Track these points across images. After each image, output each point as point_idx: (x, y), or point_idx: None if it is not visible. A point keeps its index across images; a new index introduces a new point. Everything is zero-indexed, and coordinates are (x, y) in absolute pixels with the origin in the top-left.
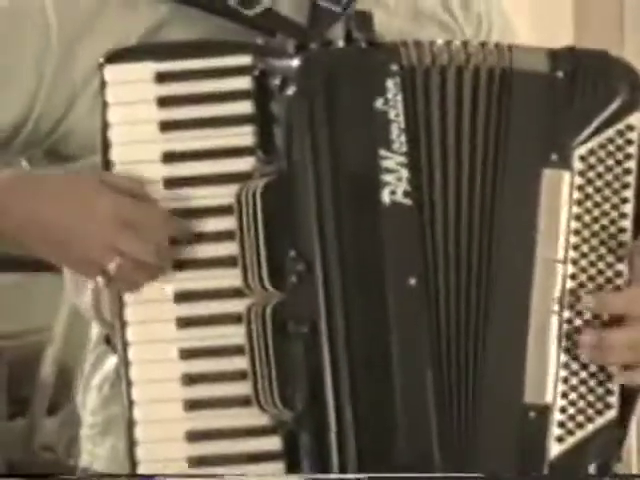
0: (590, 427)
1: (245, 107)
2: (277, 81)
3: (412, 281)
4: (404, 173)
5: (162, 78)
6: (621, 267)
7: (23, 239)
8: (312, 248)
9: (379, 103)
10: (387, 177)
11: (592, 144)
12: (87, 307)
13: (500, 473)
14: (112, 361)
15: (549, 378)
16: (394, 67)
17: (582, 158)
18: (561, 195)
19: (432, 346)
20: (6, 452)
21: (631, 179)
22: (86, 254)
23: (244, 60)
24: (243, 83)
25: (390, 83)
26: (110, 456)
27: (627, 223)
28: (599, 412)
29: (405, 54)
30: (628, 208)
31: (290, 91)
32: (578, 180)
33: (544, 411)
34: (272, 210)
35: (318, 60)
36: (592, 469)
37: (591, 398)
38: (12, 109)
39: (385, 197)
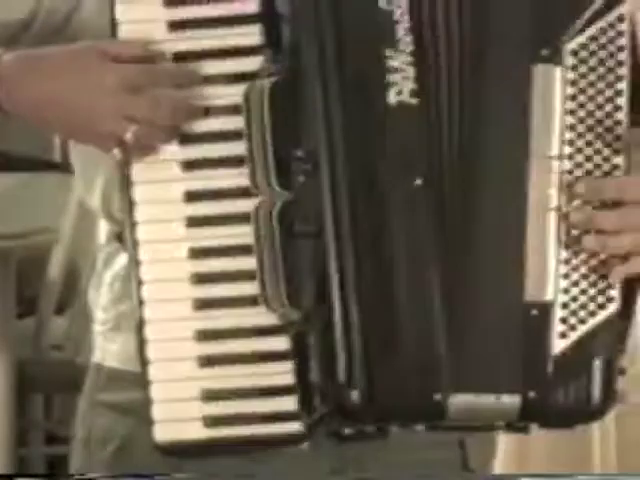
0: (593, 321)
1: (252, 6)
2: None
3: (418, 181)
4: (411, 72)
5: None
6: (618, 160)
7: (36, 120)
8: (319, 147)
9: (383, 3)
10: (394, 77)
11: (583, 37)
12: (97, 205)
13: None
14: (123, 259)
15: (549, 275)
16: None
17: (574, 52)
18: (554, 90)
19: (438, 248)
20: (16, 351)
21: (624, 71)
22: (100, 127)
23: None
24: None
25: None
26: (121, 352)
27: (622, 115)
28: (601, 306)
29: None
30: (622, 101)
31: None
32: (570, 75)
33: (546, 308)
34: (279, 109)
35: None
36: (597, 364)
37: (592, 292)
38: (21, 3)
39: (391, 97)
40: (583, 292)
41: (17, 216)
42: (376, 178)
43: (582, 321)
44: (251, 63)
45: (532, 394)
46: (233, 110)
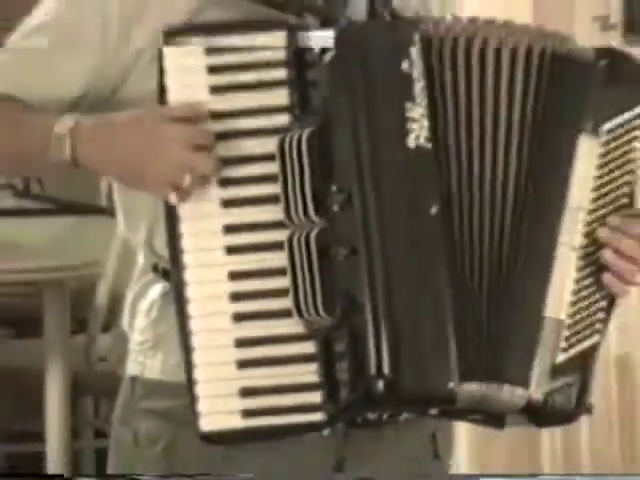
0: (585, 344)
1: (281, 74)
2: (315, 51)
3: (434, 210)
4: (425, 122)
5: (212, 50)
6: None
7: (105, 172)
8: (352, 182)
9: (405, 65)
10: (412, 125)
11: (614, 123)
12: (140, 241)
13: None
14: (157, 289)
15: (565, 299)
16: (416, 36)
17: (607, 131)
18: (592, 159)
19: (450, 264)
20: (70, 362)
21: (635, 156)
22: (162, 176)
23: (280, 35)
24: (279, 54)
25: (413, 49)
26: (162, 368)
27: (627, 190)
28: (591, 335)
29: (425, 27)
30: (630, 179)
31: (329, 57)
32: (601, 149)
33: (559, 325)
34: (315, 153)
35: (353, 31)
36: (581, 378)
37: (587, 322)
38: (76, 83)
39: (411, 142)
40: (582, 320)
41: (71, 252)
42: (399, 207)
43: (578, 341)
44: (280, 120)
45: (539, 393)
46: (265, 158)
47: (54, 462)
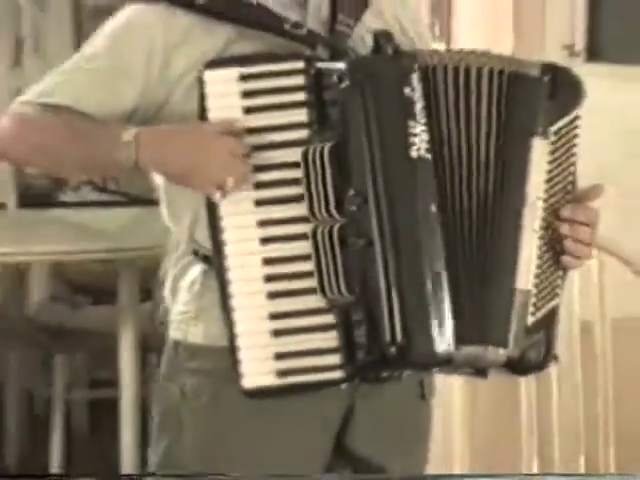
0: (547, 307)
1: (301, 96)
2: (334, 78)
3: (433, 208)
4: (425, 136)
5: (244, 78)
6: (569, 206)
7: (162, 172)
8: (367, 187)
9: (407, 90)
10: (414, 139)
11: (558, 125)
12: (184, 232)
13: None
14: (197, 268)
15: (531, 273)
16: (416, 66)
17: (555, 132)
18: (543, 156)
19: (447, 250)
20: (139, 324)
21: (576, 150)
22: (210, 177)
23: (299, 65)
24: (299, 80)
25: (414, 77)
26: (204, 335)
27: (572, 178)
28: (552, 298)
29: (421, 58)
30: (573, 169)
31: (344, 85)
32: (550, 147)
33: (527, 294)
34: (335, 162)
35: (362, 62)
36: (547, 334)
37: (549, 289)
38: (128, 101)
39: (414, 153)
40: (544, 288)
41: (139, 236)
42: (405, 206)
43: (543, 305)
44: (300, 134)
45: (516, 350)
46: (289, 166)
47: (127, 405)
